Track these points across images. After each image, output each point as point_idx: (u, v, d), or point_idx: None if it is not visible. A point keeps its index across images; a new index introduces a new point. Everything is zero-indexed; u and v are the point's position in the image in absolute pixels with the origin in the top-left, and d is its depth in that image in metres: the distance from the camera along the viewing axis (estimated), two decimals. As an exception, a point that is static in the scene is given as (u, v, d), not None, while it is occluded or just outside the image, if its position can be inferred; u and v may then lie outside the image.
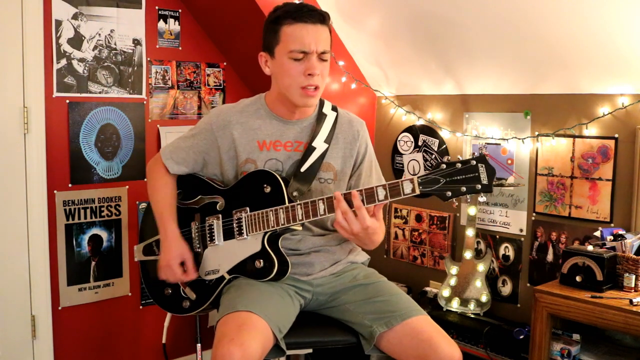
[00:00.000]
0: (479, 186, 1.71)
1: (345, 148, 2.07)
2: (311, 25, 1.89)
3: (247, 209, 1.97)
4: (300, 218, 1.87)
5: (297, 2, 1.99)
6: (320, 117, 2.06)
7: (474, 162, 1.72)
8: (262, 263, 1.94)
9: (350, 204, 1.77)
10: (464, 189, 1.72)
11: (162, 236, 2.07)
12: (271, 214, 1.91)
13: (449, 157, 1.79)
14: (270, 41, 1.95)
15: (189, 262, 2.03)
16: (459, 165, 1.73)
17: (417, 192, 1.75)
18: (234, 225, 1.98)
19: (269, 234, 1.94)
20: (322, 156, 2.02)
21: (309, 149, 2.01)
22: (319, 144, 2.02)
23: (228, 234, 2.00)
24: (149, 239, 2.20)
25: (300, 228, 1.95)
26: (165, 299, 2.14)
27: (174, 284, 2.10)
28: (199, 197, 2.09)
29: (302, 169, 1.98)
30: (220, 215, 2.02)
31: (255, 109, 2.06)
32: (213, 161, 2.09)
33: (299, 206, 1.87)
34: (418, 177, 1.74)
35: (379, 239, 1.92)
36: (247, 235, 1.96)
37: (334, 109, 2.11)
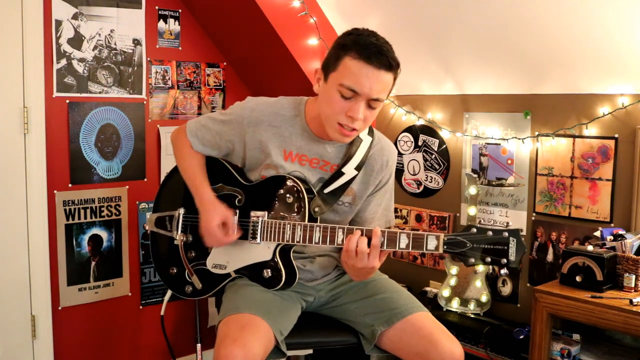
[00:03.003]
0: (505, 260, 1.67)
1: (370, 175, 1.99)
2: (374, 68, 1.75)
3: (265, 213, 1.92)
4: (317, 241, 1.82)
5: (376, 40, 1.80)
6: (355, 141, 1.96)
7: (506, 235, 1.66)
8: (269, 273, 1.92)
9: (368, 240, 1.72)
10: (488, 259, 1.67)
11: (197, 202, 1.99)
12: (288, 227, 1.86)
13: (482, 221, 1.74)
14: (329, 64, 1.82)
15: (229, 221, 1.94)
16: (490, 233, 1.67)
17: (441, 251, 1.70)
18: (249, 227, 1.93)
19: (282, 245, 1.91)
20: (349, 182, 1.95)
21: (337, 174, 1.94)
22: (349, 170, 1.94)
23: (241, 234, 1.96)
24: (164, 211, 2.15)
25: (317, 246, 1.89)
26: (169, 277, 2.12)
27: (180, 265, 2.08)
28: (220, 184, 2.03)
29: (326, 191, 1.93)
30: (237, 212, 1.97)
31: (292, 116, 1.96)
32: (237, 153, 2.01)
33: (317, 228, 1.82)
34: (445, 236, 1.70)
35: (371, 275, 1.89)
36: (260, 241, 1.91)
37: (370, 132, 2.01)
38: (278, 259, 1.91)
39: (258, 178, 1.98)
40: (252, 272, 1.95)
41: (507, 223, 1.73)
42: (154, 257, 2.21)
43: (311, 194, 1.91)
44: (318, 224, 1.84)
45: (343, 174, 1.94)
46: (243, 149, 1.99)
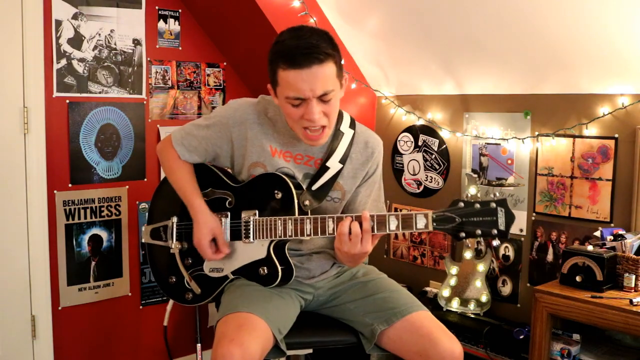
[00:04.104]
0: (495, 231, 1.67)
1: (356, 169, 2.01)
2: (305, 69, 1.73)
3: (256, 212, 1.93)
4: (309, 233, 1.84)
5: (297, 40, 1.77)
6: (337, 135, 1.98)
7: (494, 205, 1.67)
8: (266, 271, 1.93)
9: (359, 225, 1.75)
10: (479, 232, 1.68)
11: (191, 213, 2.01)
12: (279, 222, 1.87)
13: (468, 195, 1.76)
14: (271, 79, 1.85)
15: (220, 238, 1.96)
16: (477, 205, 1.68)
17: (431, 228, 1.71)
18: (242, 227, 1.95)
19: (275, 241, 1.92)
20: (336, 176, 1.97)
21: (323, 168, 1.96)
22: (334, 164, 1.96)
23: (235, 235, 1.97)
24: (158, 222, 2.17)
25: (309, 238, 1.90)
26: (169, 286, 2.13)
27: (178, 274, 2.08)
28: (210, 189, 2.05)
29: (314, 188, 1.94)
30: (228, 214, 1.99)
31: (273, 114, 1.99)
32: (225, 154, 2.03)
33: (308, 220, 1.84)
34: (433, 213, 1.71)
35: (363, 260, 1.91)
36: (253, 239, 1.93)
37: (352, 125, 2.03)
38: (273, 255, 1.92)
39: (247, 177, 2.00)
40: (249, 271, 1.96)
41: (495, 194, 1.73)
42: (152, 268, 2.23)
43: (299, 189, 1.93)
44: (308, 216, 1.85)
45: (328, 168, 1.96)
46: (230, 149, 2.01)
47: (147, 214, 2.26)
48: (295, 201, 1.89)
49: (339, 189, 2.00)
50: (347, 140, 1.99)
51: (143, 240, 2.22)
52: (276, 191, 1.92)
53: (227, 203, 2.02)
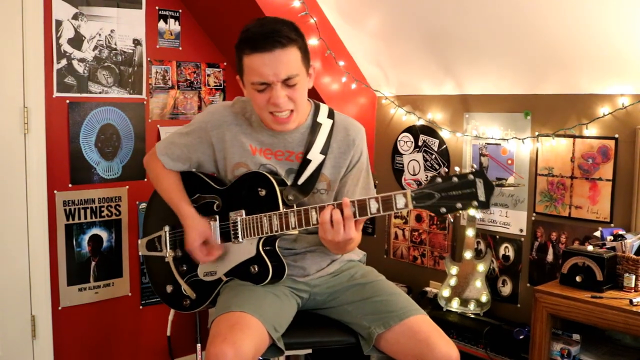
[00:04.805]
0: (476, 203, 1.65)
1: (339, 157, 2.01)
2: (268, 53, 1.78)
3: (243, 212, 1.94)
4: (294, 226, 1.85)
5: (261, 26, 1.83)
6: (315, 126, 2.00)
7: (472, 177, 1.65)
8: (256, 269, 1.93)
9: (340, 212, 1.75)
10: (459, 205, 1.67)
11: (180, 220, 2.04)
12: (265, 219, 1.89)
13: (447, 170, 1.74)
14: (238, 69, 1.90)
15: (210, 240, 1.99)
16: (455, 179, 1.67)
17: (411, 207, 1.70)
18: (230, 228, 1.97)
19: (263, 238, 1.93)
20: (319, 167, 1.98)
21: (305, 162, 1.97)
22: (315, 156, 1.97)
23: (225, 236, 1.99)
24: (152, 234, 2.19)
25: (297, 232, 1.91)
26: (167, 295, 2.15)
27: (175, 282, 2.10)
28: (198, 195, 2.08)
29: (300, 182, 1.96)
30: (217, 217, 2.01)
31: (249, 115, 2.02)
32: (208, 159, 2.07)
33: (292, 213, 1.85)
34: (412, 192, 1.70)
35: (352, 247, 1.92)
36: (242, 239, 1.94)
37: (331, 115, 2.04)
38: (262, 253, 1.92)
39: (233, 179, 2.01)
40: (240, 271, 1.97)
41: (473, 166, 1.72)
42: (150, 279, 2.26)
43: (283, 184, 1.94)
44: (292, 209, 1.86)
45: (310, 160, 1.97)
46: (212, 153, 2.04)
47: (141, 228, 2.28)
48: (279, 197, 1.90)
49: (324, 180, 2.01)
50: (326, 131, 2.00)
51: (140, 254, 2.25)
52: (259, 189, 1.93)
53: (215, 206, 2.03)
